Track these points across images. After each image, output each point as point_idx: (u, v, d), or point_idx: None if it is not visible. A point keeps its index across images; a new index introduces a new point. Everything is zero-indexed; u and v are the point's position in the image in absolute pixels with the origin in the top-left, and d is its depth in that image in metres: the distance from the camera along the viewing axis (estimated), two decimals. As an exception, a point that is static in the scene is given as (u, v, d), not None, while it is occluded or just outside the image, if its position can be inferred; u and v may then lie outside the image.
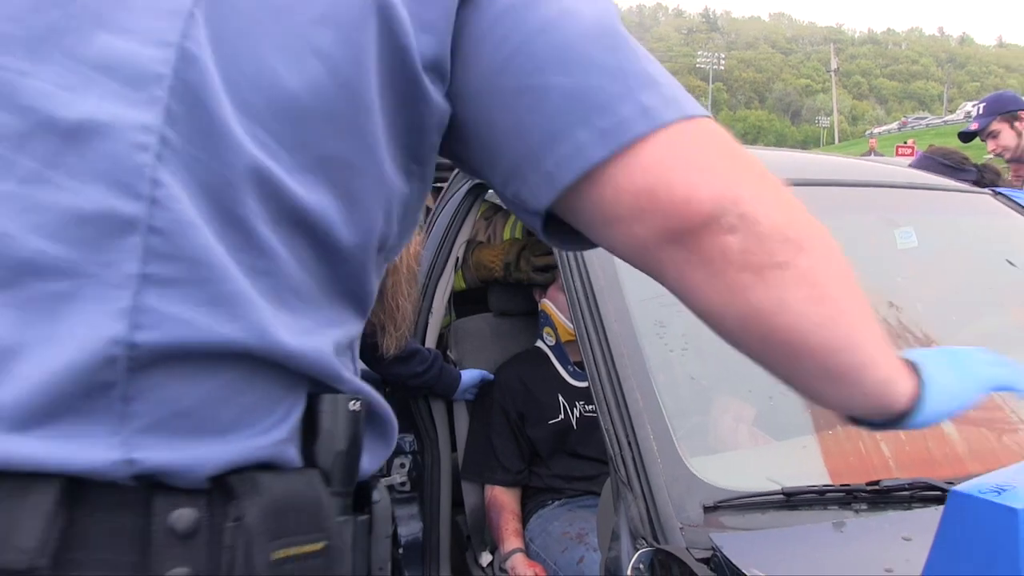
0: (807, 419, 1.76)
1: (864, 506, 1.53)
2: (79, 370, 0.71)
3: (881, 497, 1.53)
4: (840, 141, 74.94)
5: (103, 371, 0.72)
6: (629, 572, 1.43)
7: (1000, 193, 2.96)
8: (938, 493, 1.52)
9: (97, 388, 0.72)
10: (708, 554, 1.38)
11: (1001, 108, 4.68)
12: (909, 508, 1.51)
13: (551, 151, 0.85)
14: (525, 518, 2.69)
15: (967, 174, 4.22)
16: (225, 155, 0.77)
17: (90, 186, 0.74)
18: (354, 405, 0.85)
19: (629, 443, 1.57)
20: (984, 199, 2.81)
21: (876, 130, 62.74)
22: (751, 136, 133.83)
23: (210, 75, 0.77)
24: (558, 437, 2.73)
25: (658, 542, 1.44)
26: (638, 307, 1.83)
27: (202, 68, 0.77)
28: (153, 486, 0.74)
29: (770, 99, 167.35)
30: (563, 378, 2.81)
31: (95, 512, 0.72)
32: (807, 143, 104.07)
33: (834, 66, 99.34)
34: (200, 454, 0.76)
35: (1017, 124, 4.60)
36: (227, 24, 0.79)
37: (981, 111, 4.77)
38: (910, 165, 4.47)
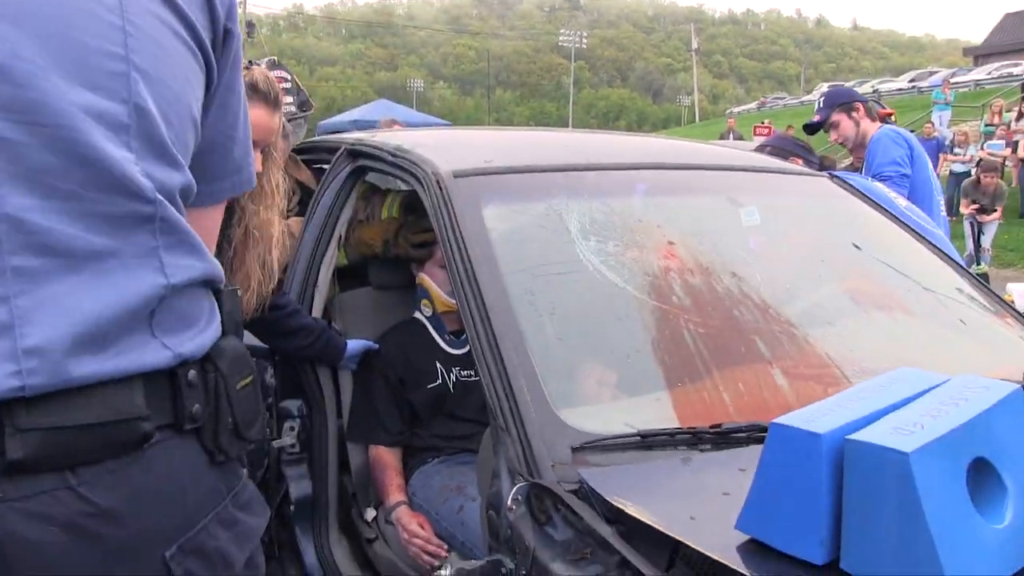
0: (660, 375, 2.01)
1: (708, 446, 1.78)
2: (133, 306, 1.16)
3: (722, 438, 1.78)
4: (701, 120, 76.44)
5: (153, 302, 1.19)
6: (509, 503, 1.65)
7: (835, 175, 3.27)
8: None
9: (145, 315, 1.18)
10: (576, 486, 1.60)
11: (838, 100, 5.02)
12: (746, 446, 1.76)
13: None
14: (407, 475, 2.88)
15: (814, 156, 4.56)
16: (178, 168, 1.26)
17: (116, 197, 1.14)
18: (237, 293, 1.41)
19: (506, 395, 1.79)
20: (822, 181, 3.10)
21: (736, 109, 64.07)
22: (613, 114, 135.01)
23: (155, 117, 1.20)
24: (436, 400, 2.93)
25: (533, 478, 1.66)
26: (511, 278, 2.04)
27: (151, 114, 1.19)
28: (178, 365, 1.21)
29: (632, 78, 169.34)
30: (440, 346, 3.01)
31: (152, 384, 1.18)
32: (668, 122, 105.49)
33: (695, 46, 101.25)
34: (204, 340, 1.27)
35: (854, 114, 4.94)
36: (153, 82, 1.21)
37: (821, 104, 5.10)
38: (768, 143, 4.75)
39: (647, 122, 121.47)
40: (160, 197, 1.19)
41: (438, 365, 2.97)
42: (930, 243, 2.95)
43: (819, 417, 1.35)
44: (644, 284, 2.20)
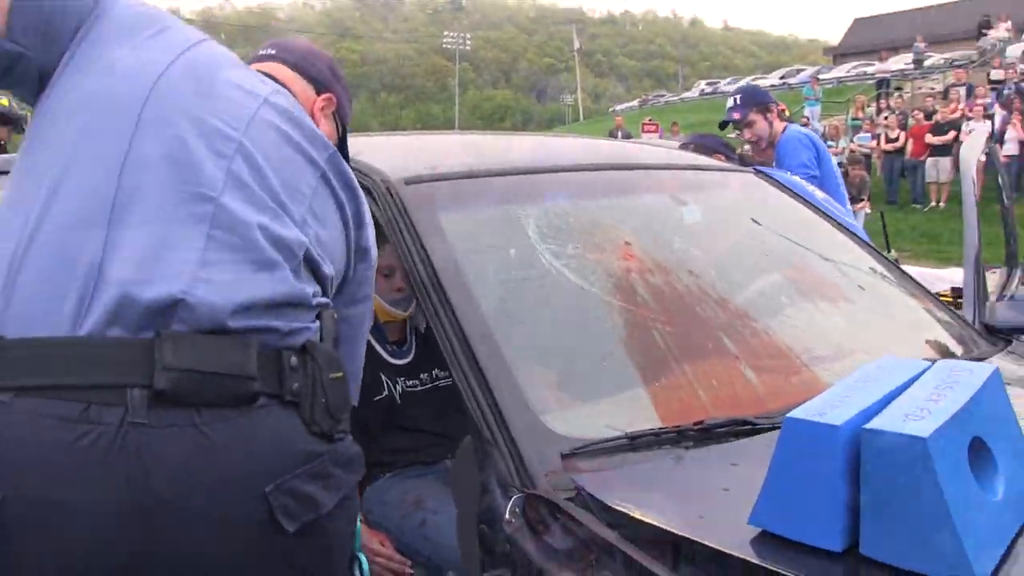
0: (634, 375, 2.01)
1: (691, 443, 1.79)
2: (270, 298, 1.51)
3: (706, 434, 1.80)
4: (585, 119, 77.06)
5: (281, 301, 1.53)
6: (507, 516, 1.63)
7: (760, 171, 3.36)
8: (750, 427, 1.81)
9: (272, 306, 1.52)
10: (573, 493, 1.60)
11: (756, 101, 5.13)
12: (729, 441, 1.79)
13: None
14: (359, 493, 2.83)
15: (734, 154, 4.65)
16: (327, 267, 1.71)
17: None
18: (335, 316, 1.69)
19: (490, 408, 1.77)
20: (749, 176, 3.17)
21: (618, 107, 64.62)
22: (499, 115, 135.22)
23: (316, 244, 1.67)
24: (384, 413, 2.88)
25: (527, 488, 1.65)
26: (478, 285, 2.02)
27: (320, 239, 1.69)
28: (282, 348, 1.51)
29: (516, 78, 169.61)
30: (382, 357, 2.95)
31: (264, 356, 1.48)
32: (553, 121, 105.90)
33: (577, 46, 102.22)
34: (306, 330, 1.57)
35: (769, 115, 5.07)
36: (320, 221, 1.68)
37: (738, 102, 5.19)
38: (691, 140, 4.81)
39: (532, 122, 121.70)
40: (301, 255, 1.61)
41: (382, 376, 2.92)
42: (851, 232, 3.11)
43: (830, 409, 1.37)
44: (608, 285, 2.20)
